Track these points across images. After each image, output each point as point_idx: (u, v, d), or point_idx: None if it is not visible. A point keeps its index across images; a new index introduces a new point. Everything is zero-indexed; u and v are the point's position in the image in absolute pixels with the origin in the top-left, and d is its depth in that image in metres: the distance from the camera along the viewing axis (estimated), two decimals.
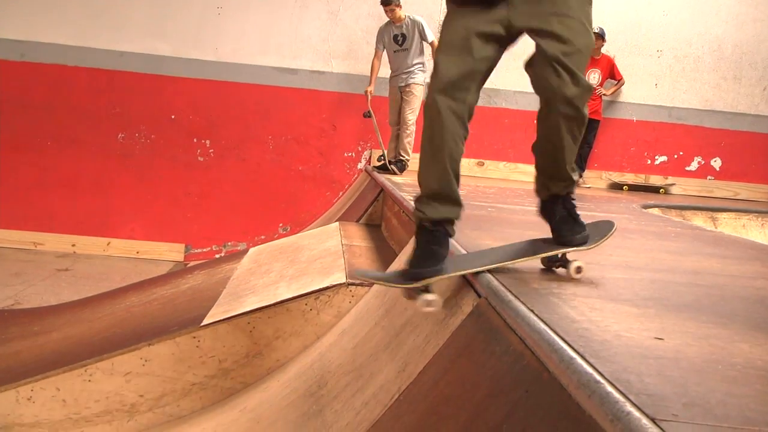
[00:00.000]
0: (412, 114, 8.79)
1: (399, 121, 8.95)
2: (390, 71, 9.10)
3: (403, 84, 8.89)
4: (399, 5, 8.83)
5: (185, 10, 9.94)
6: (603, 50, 10.19)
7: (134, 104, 9.89)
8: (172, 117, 9.96)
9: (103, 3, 9.81)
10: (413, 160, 9.43)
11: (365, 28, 10.04)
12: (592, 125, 10.29)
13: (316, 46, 10.12)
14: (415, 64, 8.88)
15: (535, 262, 3.06)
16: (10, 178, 9.73)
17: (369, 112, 9.03)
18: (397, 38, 8.92)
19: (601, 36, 10.04)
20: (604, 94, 10.24)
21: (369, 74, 9.23)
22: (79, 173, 9.82)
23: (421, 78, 8.83)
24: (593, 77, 10.17)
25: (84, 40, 9.75)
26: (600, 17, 10.15)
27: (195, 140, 10.00)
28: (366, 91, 9.17)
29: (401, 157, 8.89)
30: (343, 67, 10.14)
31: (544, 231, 3.13)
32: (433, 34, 8.76)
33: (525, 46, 10.03)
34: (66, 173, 9.80)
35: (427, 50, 8.96)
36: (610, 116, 10.44)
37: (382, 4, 8.87)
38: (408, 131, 8.83)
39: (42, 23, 9.69)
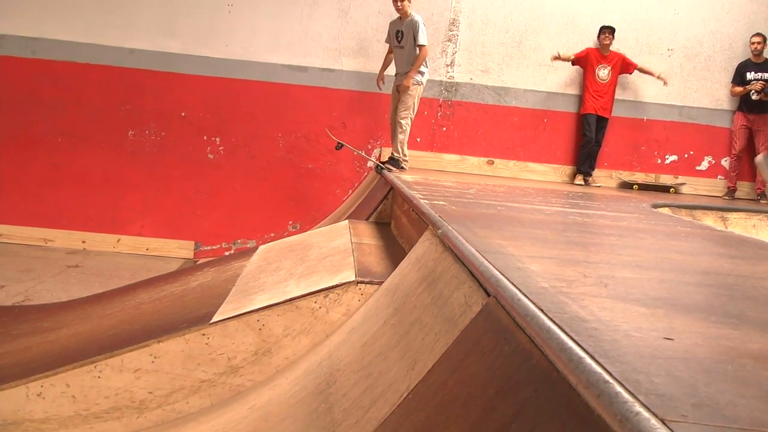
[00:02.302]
0: (406, 113, 8.76)
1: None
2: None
3: (398, 83, 8.88)
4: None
5: (196, 7, 9.96)
6: (612, 49, 10.18)
7: (144, 101, 9.92)
8: (183, 114, 9.98)
9: (114, 0, 9.84)
10: (413, 159, 9.46)
11: (375, 26, 10.04)
12: (601, 123, 10.27)
13: (326, 44, 10.13)
14: (410, 65, 8.80)
15: (549, 262, 3.06)
16: (20, 174, 9.77)
17: (339, 144, 8.99)
18: (398, 35, 8.90)
19: (611, 32, 10.04)
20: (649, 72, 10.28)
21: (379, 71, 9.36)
22: (89, 170, 9.85)
23: (416, 78, 8.75)
24: (604, 72, 10.15)
25: (94, 38, 9.78)
26: (610, 15, 10.16)
27: (205, 137, 10.02)
28: (326, 129, 9.34)
29: (393, 156, 8.86)
30: (353, 65, 10.14)
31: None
32: (425, 38, 8.68)
33: (535, 44, 9.99)
34: (76, 170, 9.83)
35: (429, 53, 8.93)
36: (619, 115, 10.42)
37: None
38: (401, 129, 8.80)
39: (53, 20, 9.72)
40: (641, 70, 10.31)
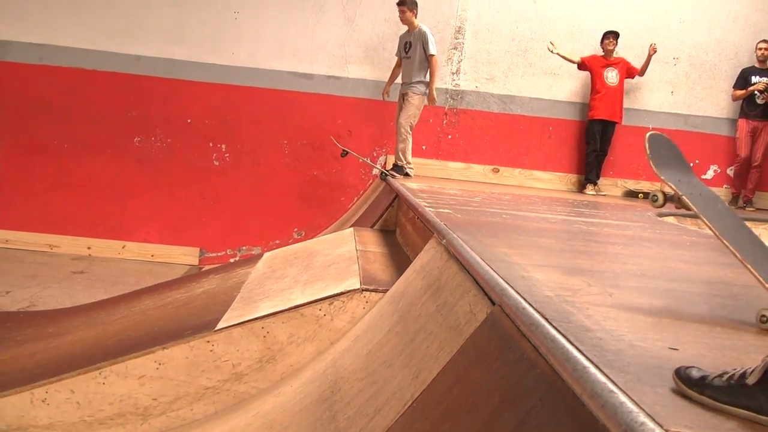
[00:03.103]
0: (407, 121, 8.85)
1: None
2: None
3: (404, 92, 8.95)
4: (409, 9, 8.89)
5: (202, 15, 9.98)
6: (615, 55, 10.16)
7: (151, 108, 9.93)
8: (189, 121, 9.99)
9: (121, 8, 9.87)
10: (419, 166, 9.49)
11: (381, 34, 10.06)
12: (610, 129, 10.22)
13: (332, 51, 10.14)
14: (417, 75, 8.86)
15: (554, 271, 3.05)
16: (26, 180, 9.79)
17: (344, 151, 9.09)
18: (406, 46, 9.03)
19: (614, 36, 10.02)
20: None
21: (386, 80, 9.46)
22: (95, 176, 9.87)
23: (420, 89, 8.83)
24: (612, 74, 10.12)
25: (101, 44, 9.81)
26: (616, 24, 10.16)
27: (211, 144, 10.03)
28: (331, 137, 9.50)
29: (397, 163, 8.94)
30: (359, 72, 10.15)
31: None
32: (434, 48, 8.77)
33: (541, 52, 9.98)
34: (82, 176, 9.85)
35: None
36: (625, 123, 10.39)
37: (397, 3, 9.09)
38: (402, 137, 8.89)
39: (60, 27, 9.75)
40: (643, 70, 10.27)
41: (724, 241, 2.45)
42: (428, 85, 8.82)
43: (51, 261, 9.12)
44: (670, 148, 2.71)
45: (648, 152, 2.58)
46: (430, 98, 8.83)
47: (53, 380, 4.16)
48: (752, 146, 10.29)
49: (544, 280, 2.92)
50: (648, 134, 2.63)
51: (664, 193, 2.57)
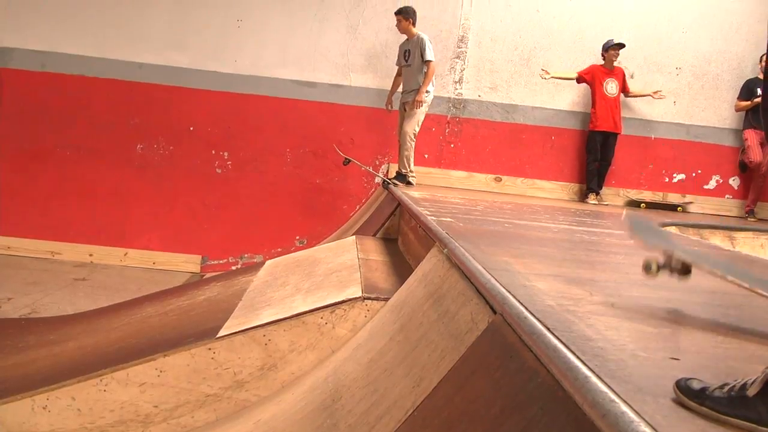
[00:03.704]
0: (410, 128, 8.83)
1: None
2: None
3: (405, 100, 8.98)
4: (405, 18, 8.96)
5: (205, 22, 10.00)
6: (615, 64, 10.14)
7: (153, 115, 9.95)
8: (191, 129, 10.01)
9: (124, 15, 9.89)
10: (421, 175, 9.49)
11: (384, 42, 10.08)
12: (612, 140, 10.21)
13: (334, 60, 10.16)
14: (418, 82, 8.87)
15: (555, 280, 3.05)
16: (28, 187, 9.80)
17: (347, 159, 9.15)
18: (405, 54, 9.07)
19: (621, 47, 10.00)
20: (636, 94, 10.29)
21: (388, 88, 9.50)
22: (97, 183, 9.88)
23: (422, 96, 8.82)
24: (612, 86, 10.12)
25: (104, 52, 9.83)
26: (619, 34, 10.17)
27: (213, 152, 10.05)
28: (334, 145, 9.59)
29: (401, 171, 8.95)
30: (361, 80, 10.17)
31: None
32: (432, 54, 8.78)
33: (543, 62, 9.98)
34: (84, 183, 9.86)
35: (436, 70, 9.01)
36: (627, 133, 10.39)
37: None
38: (406, 145, 8.88)
39: (63, 35, 9.77)
40: (633, 95, 10.32)
41: (729, 278, 2.53)
42: (428, 91, 8.82)
43: (53, 268, 9.13)
44: (647, 222, 2.91)
45: (631, 231, 2.76)
46: (417, 100, 8.75)
47: (54, 387, 4.16)
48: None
49: (545, 289, 2.92)
50: (624, 215, 2.85)
51: (657, 263, 2.71)
